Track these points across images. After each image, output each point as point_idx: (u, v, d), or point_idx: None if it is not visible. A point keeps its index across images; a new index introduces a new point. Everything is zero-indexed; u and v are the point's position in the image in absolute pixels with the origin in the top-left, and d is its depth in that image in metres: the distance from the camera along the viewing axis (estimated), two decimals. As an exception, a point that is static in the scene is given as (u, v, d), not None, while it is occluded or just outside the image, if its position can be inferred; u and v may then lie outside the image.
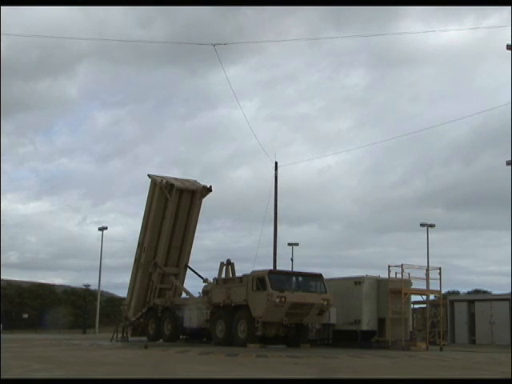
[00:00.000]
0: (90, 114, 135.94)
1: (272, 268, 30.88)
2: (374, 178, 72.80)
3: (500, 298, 36.83)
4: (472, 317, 36.72)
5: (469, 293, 53.90)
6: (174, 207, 30.39)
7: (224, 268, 28.05)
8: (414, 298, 29.91)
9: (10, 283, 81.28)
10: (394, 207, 71.68)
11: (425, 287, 28.88)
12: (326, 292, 25.35)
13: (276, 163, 33.34)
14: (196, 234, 31.49)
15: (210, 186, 31.13)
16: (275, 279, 24.93)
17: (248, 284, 25.08)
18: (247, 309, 24.87)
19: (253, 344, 24.06)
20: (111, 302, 75.01)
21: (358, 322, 27.10)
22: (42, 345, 26.14)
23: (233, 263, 28.08)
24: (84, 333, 55.61)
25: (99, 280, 57.03)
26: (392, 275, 27.72)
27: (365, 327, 27.12)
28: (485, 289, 58.04)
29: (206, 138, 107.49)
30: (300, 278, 25.83)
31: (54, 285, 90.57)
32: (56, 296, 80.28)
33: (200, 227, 32.14)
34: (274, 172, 33.35)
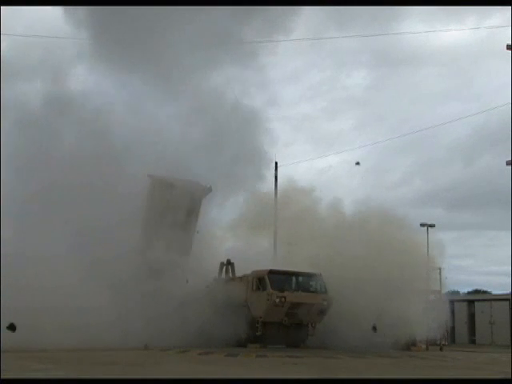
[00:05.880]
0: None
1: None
2: (374, 178, 72.60)
3: (500, 298, 36.84)
4: (472, 317, 36.74)
5: (469, 293, 53.79)
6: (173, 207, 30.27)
7: (224, 268, 27.99)
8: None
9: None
10: (393, 207, 71.28)
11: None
12: (326, 292, 25.31)
13: (276, 163, 33.24)
14: (196, 234, 31.40)
15: (210, 186, 31.05)
16: (275, 279, 24.88)
17: (248, 284, 25.06)
18: (247, 309, 24.85)
19: (253, 344, 24.05)
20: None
21: (357, 321, 27.01)
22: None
23: (233, 263, 28.02)
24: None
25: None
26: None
27: (365, 327, 27.03)
28: (485, 289, 57.89)
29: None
30: (300, 278, 25.78)
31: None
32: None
33: (200, 227, 32.00)
34: (274, 172, 33.25)
